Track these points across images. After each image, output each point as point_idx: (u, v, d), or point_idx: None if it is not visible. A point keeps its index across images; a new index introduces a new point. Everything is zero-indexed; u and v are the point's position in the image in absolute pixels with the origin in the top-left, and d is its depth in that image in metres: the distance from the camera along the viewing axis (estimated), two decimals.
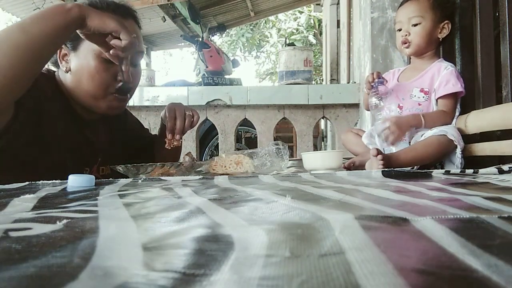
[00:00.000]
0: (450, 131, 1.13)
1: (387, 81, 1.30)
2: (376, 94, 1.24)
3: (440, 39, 1.28)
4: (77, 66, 0.92)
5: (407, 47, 1.27)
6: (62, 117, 0.93)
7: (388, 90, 1.29)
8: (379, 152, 0.99)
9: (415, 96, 1.25)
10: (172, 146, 1.00)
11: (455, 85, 1.19)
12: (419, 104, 1.23)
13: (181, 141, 1.06)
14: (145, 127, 1.35)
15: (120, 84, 0.94)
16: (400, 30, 1.28)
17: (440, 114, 1.20)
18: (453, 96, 1.21)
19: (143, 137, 1.25)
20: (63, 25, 0.76)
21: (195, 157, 2.39)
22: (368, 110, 1.41)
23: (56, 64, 0.98)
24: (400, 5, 1.32)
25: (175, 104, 1.04)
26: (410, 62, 1.47)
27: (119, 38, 0.79)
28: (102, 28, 0.77)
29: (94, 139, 1.01)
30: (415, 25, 1.24)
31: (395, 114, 1.25)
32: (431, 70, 1.25)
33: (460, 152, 1.13)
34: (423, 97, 1.23)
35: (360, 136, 1.34)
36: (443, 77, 1.21)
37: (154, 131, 2.59)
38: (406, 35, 1.25)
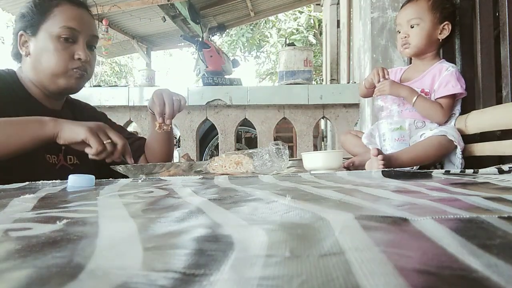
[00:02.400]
0: (450, 132, 1.13)
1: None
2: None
3: (440, 40, 1.27)
4: (36, 49, 0.97)
5: (406, 48, 1.27)
6: (20, 107, 0.95)
7: None
8: (379, 152, 0.99)
9: None
10: (162, 129, 1.03)
11: (455, 87, 1.19)
12: None
13: (171, 127, 1.09)
14: (138, 130, 1.35)
15: (78, 62, 0.98)
16: (399, 32, 1.29)
17: (436, 106, 1.19)
18: (452, 97, 1.21)
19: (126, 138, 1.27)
20: (32, 139, 0.82)
21: (193, 159, 2.39)
22: (364, 97, 1.42)
23: (17, 58, 1.02)
24: (401, 8, 1.33)
25: (162, 90, 1.07)
26: (410, 62, 1.47)
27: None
28: (73, 139, 0.83)
29: None
30: (413, 26, 1.24)
31: (396, 114, 1.25)
32: (432, 71, 1.25)
33: (460, 153, 1.13)
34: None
35: (359, 138, 1.34)
36: (444, 78, 1.21)
37: None
38: (405, 37, 1.26)
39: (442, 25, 1.25)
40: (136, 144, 1.20)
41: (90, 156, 0.85)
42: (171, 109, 1.02)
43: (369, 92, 1.36)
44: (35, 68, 0.98)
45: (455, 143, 1.11)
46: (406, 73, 1.35)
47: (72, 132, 0.83)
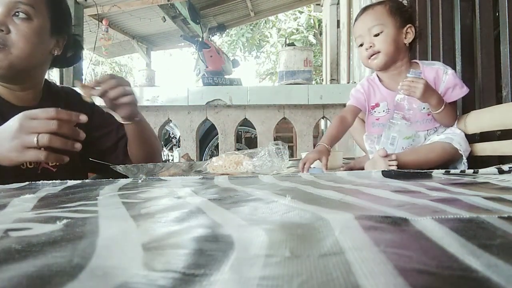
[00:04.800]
0: (456, 139, 1.08)
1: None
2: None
3: (407, 45, 1.18)
4: None
5: (375, 59, 1.15)
6: None
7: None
8: (387, 153, 0.98)
9: (424, 108, 1.16)
10: (88, 96, 0.88)
11: (462, 88, 1.14)
12: (428, 115, 1.17)
13: (93, 102, 0.93)
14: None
15: None
16: (362, 45, 1.17)
17: (452, 112, 1.15)
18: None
19: (111, 133, 1.10)
20: None
21: (193, 159, 2.39)
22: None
23: None
24: (356, 20, 1.21)
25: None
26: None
27: None
28: (17, 162, 0.74)
29: None
30: (377, 35, 1.14)
31: (404, 127, 1.16)
32: (429, 77, 1.17)
33: (466, 161, 1.08)
34: (424, 108, 1.17)
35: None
36: (448, 82, 1.15)
37: (154, 131, 2.59)
38: (371, 46, 1.14)
39: (405, 28, 1.16)
40: (122, 142, 1.08)
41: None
42: (112, 85, 0.88)
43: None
44: None
45: (460, 152, 1.07)
46: (392, 85, 1.21)
47: (6, 158, 0.71)
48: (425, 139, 1.17)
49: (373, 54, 1.14)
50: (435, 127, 1.18)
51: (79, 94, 0.95)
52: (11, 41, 0.84)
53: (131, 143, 1.04)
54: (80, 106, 0.97)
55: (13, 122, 0.72)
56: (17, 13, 0.85)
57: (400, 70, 1.19)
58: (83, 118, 0.75)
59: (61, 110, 0.73)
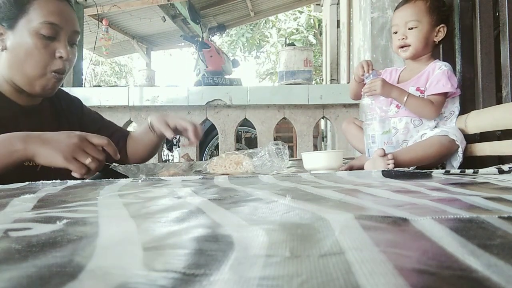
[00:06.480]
0: (451, 131, 1.12)
1: (381, 73, 1.29)
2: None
3: (436, 42, 1.27)
4: (14, 44, 0.90)
5: (404, 51, 1.26)
6: None
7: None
8: (385, 152, 0.99)
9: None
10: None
11: (445, 85, 1.18)
12: None
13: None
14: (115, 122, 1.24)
15: (60, 62, 0.93)
16: (396, 33, 1.28)
17: (426, 103, 1.19)
18: (442, 95, 1.20)
19: (102, 128, 1.15)
20: (3, 165, 0.76)
21: (193, 159, 2.39)
22: (354, 99, 1.40)
23: None
24: (397, 8, 1.31)
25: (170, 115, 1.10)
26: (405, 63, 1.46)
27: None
28: (52, 164, 0.79)
29: (36, 128, 0.89)
30: (412, 28, 1.23)
31: (392, 114, 1.25)
32: (427, 70, 1.25)
33: (462, 152, 1.12)
34: (419, 95, 1.22)
35: (362, 130, 1.32)
36: (435, 76, 1.21)
37: None
38: (403, 38, 1.25)
39: (438, 27, 1.24)
40: (115, 136, 1.13)
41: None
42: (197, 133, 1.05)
43: (359, 91, 1.34)
44: (12, 66, 0.91)
45: (457, 143, 1.10)
46: (403, 75, 1.33)
47: (47, 158, 0.77)
48: (408, 130, 1.22)
49: (404, 46, 1.26)
50: (420, 119, 1.22)
51: (68, 95, 1.15)
52: (66, 68, 0.96)
53: (145, 146, 1.15)
54: (71, 105, 1.12)
55: (72, 136, 0.80)
56: (72, 42, 0.96)
57: (421, 62, 1.29)
58: (118, 156, 0.86)
59: (110, 142, 0.84)
